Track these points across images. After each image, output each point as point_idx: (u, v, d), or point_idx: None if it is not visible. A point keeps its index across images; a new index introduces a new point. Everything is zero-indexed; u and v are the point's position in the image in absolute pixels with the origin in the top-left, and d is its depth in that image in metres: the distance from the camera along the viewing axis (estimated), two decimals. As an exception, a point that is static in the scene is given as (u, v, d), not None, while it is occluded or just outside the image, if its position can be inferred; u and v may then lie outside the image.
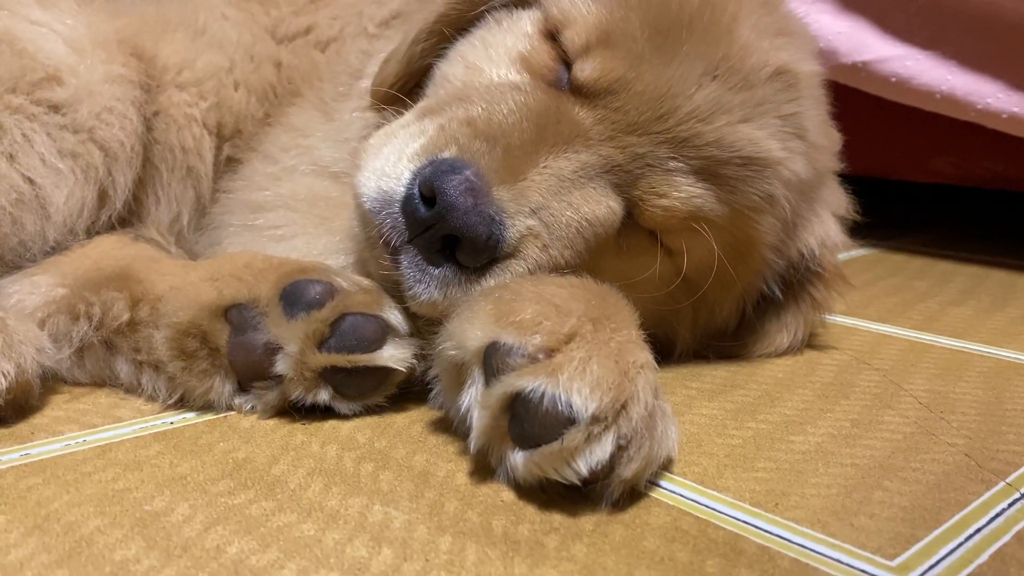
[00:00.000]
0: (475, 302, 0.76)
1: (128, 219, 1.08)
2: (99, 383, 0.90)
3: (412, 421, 0.83)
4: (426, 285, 0.79)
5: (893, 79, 1.49)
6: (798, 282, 1.01)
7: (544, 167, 0.81)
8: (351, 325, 0.81)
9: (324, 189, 1.05)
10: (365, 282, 0.86)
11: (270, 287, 0.83)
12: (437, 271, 0.79)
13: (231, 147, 1.14)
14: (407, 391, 0.86)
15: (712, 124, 0.84)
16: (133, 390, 0.88)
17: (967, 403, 0.91)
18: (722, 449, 0.78)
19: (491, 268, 0.79)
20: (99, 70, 1.03)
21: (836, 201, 1.04)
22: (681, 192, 0.85)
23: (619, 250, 0.87)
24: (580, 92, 0.85)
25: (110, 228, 1.05)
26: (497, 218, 0.77)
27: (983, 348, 1.10)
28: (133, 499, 0.67)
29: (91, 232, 1.02)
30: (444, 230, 0.76)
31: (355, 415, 0.84)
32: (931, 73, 1.46)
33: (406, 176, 0.80)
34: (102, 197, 1.01)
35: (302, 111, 1.14)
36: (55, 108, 0.99)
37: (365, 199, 0.82)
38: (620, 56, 0.84)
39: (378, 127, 1.00)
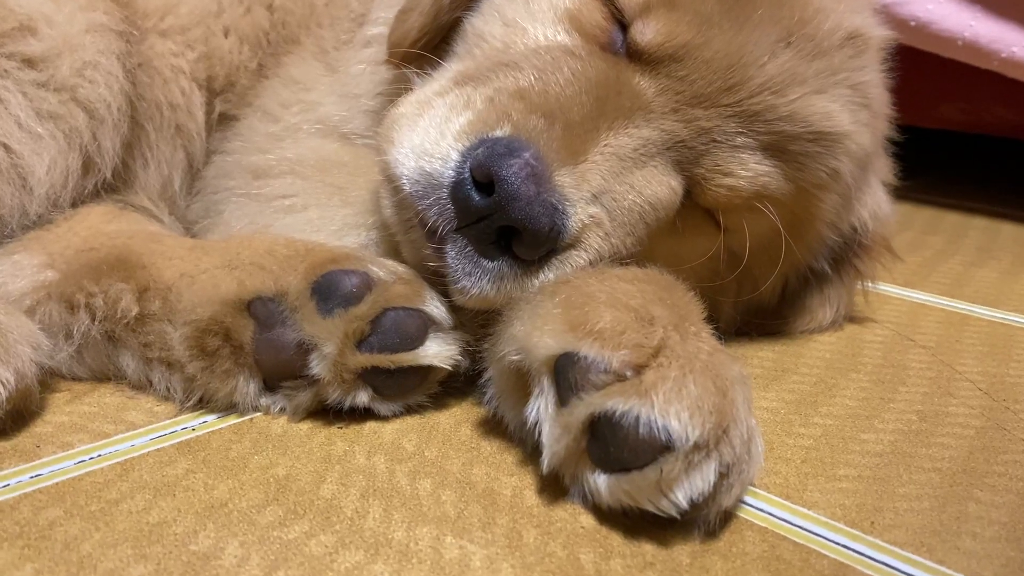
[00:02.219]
0: (539, 303, 0.69)
1: (115, 185, 0.96)
2: (100, 379, 0.81)
3: (457, 422, 0.76)
4: (477, 279, 0.71)
5: (912, 23, 1.42)
6: (845, 255, 0.96)
7: (605, 145, 0.73)
8: (392, 321, 0.73)
9: (335, 153, 0.95)
10: (401, 268, 0.78)
11: (299, 278, 0.74)
12: (491, 264, 0.71)
13: (223, 102, 1.03)
14: (447, 385, 0.79)
15: (785, 97, 0.76)
16: (141, 388, 0.79)
17: (1025, 387, 0.88)
18: (796, 453, 0.74)
19: (550, 260, 0.72)
20: (78, 19, 0.90)
21: (885, 168, 0.98)
22: (748, 170, 0.78)
23: (673, 230, 0.81)
24: (640, 58, 0.77)
25: (95, 196, 0.94)
26: (560, 207, 0.69)
27: (1021, 320, 1.07)
28: (174, 536, 0.59)
29: (76, 203, 0.91)
30: (502, 221, 0.68)
31: (394, 415, 0.77)
32: (954, 18, 1.40)
33: (455, 157, 0.71)
34: (87, 165, 0.90)
35: (301, 61, 1.03)
36: (30, 63, 0.87)
37: (405, 181, 0.73)
38: (685, 18, 0.75)
39: (397, 87, 0.91)
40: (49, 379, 0.79)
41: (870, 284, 0.99)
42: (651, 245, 0.78)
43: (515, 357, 0.68)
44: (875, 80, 0.84)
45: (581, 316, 0.65)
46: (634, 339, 0.62)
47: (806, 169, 0.80)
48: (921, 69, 1.57)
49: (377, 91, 0.96)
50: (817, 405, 0.82)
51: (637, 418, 0.59)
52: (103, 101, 0.90)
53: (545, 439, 0.65)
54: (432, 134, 0.74)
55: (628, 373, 0.61)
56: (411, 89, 0.87)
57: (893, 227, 0.98)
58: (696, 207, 0.80)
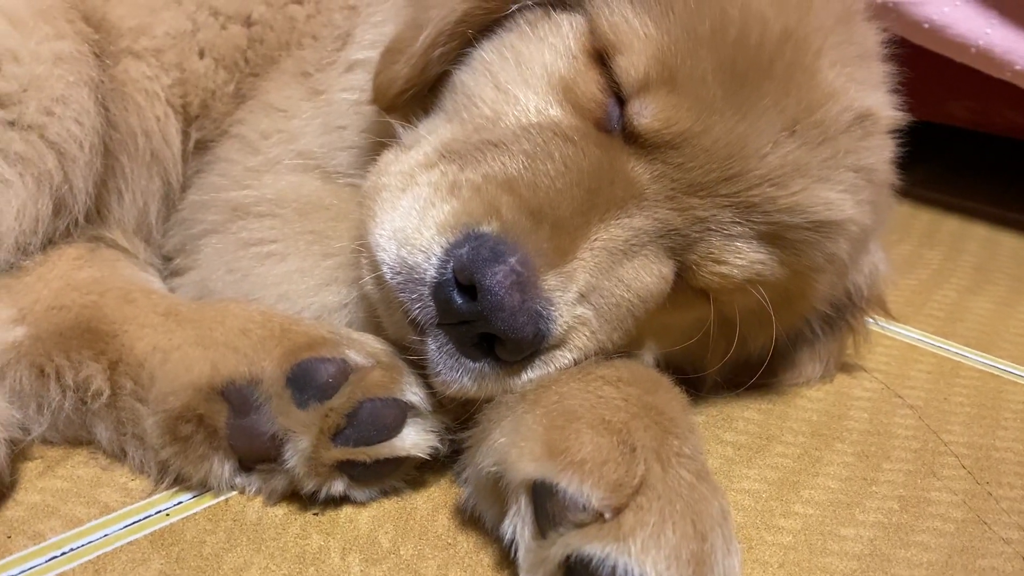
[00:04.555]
0: (520, 415, 0.67)
1: (89, 217, 0.93)
2: (74, 444, 0.79)
3: (435, 508, 0.76)
4: (457, 374, 0.70)
5: (926, 25, 1.36)
6: (838, 316, 0.94)
7: (595, 240, 0.70)
8: (369, 413, 0.72)
9: (315, 192, 0.91)
10: (379, 347, 0.76)
11: (274, 365, 0.72)
12: (472, 364, 0.69)
13: (199, 130, 0.98)
14: (425, 464, 0.78)
15: (787, 189, 0.73)
16: (116, 457, 0.78)
17: (1011, 463, 0.87)
18: (775, 554, 0.73)
19: (533, 360, 0.70)
20: (46, 50, 0.85)
21: (885, 224, 0.94)
22: (742, 259, 0.75)
23: (663, 306, 0.78)
24: (635, 141, 0.73)
25: (67, 233, 0.90)
26: (545, 313, 0.67)
27: (1013, 369, 1.05)
28: (143, 666, 0.59)
29: (47, 244, 0.88)
30: (484, 328, 0.66)
31: (371, 499, 0.76)
32: (969, 23, 1.33)
33: (437, 252, 0.68)
34: (59, 207, 0.86)
35: (282, 86, 0.98)
36: (-5, 101, 0.82)
37: (387, 269, 0.71)
38: (686, 103, 0.71)
39: (383, 125, 0.87)
40: (21, 439, 0.77)
41: (859, 341, 0.97)
42: (639, 322, 0.76)
43: (493, 469, 0.67)
44: (882, 158, 0.80)
45: (562, 440, 0.63)
46: (615, 476, 0.61)
47: (803, 255, 0.77)
48: (931, 65, 1.51)
49: (362, 127, 0.91)
50: (799, 487, 0.82)
51: (614, 567, 0.58)
52: (74, 139, 0.86)
53: (521, 563, 0.64)
54: (414, 220, 0.71)
55: (607, 515, 0.60)
56: (396, 139, 0.83)
57: (889, 282, 0.95)
58: (687, 286, 0.78)
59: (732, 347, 0.85)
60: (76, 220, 0.88)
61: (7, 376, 0.78)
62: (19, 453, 0.76)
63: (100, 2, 0.93)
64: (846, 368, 1.02)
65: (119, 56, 0.94)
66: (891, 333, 1.13)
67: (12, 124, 0.83)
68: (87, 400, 0.75)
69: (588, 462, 0.62)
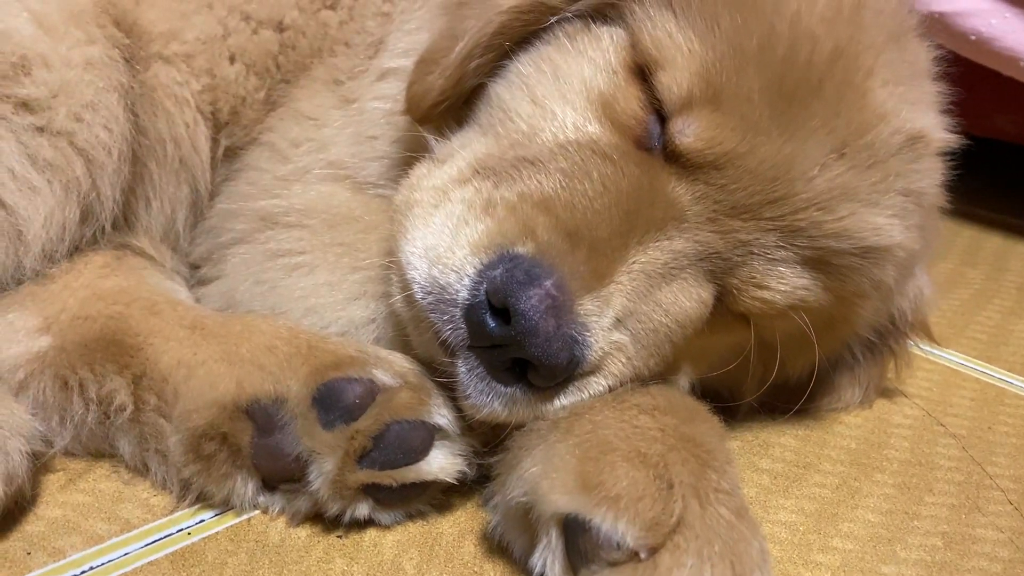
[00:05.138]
0: (553, 444, 0.65)
1: (116, 224, 0.91)
2: (97, 456, 0.78)
3: (461, 533, 0.74)
4: (488, 398, 0.68)
5: (972, 37, 1.32)
6: (880, 341, 0.91)
7: (633, 263, 0.68)
8: (396, 436, 0.70)
9: (344, 203, 0.90)
10: (407, 366, 0.75)
11: (300, 384, 0.70)
12: (503, 389, 0.67)
13: (228, 136, 0.97)
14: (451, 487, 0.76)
15: (834, 213, 0.70)
16: (138, 471, 0.77)
17: (1058, 500, 0.84)
18: (813, 592, 0.71)
19: (566, 386, 0.68)
20: (76, 55, 0.84)
21: (930, 249, 0.91)
22: (785, 284, 0.72)
23: (701, 331, 0.76)
24: (676, 160, 0.70)
25: (94, 240, 0.89)
26: (580, 338, 0.65)
27: (1060, 398, 1.02)
28: None
29: (73, 251, 0.86)
30: (517, 353, 0.64)
31: (396, 522, 0.74)
32: (1017, 35, 1.30)
33: (470, 272, 0.66)
34: (86, 214, 0.85)
35: (313, 94, 0.96)
36: (25, 106, 0.81)
37: (417, 288, 0.69)
38: (730, 122, 0.68)
39: (415, 136, 0.85)
40: (43, 451, 0.76)
41: (902, 366, 0.94)
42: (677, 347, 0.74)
43: (523, 499, 0.65)
44: (932, 182, 0.76)
45: (596, 473, 0.61)
46: (651, 513, 0.59)
47: (848, 281, 0.74)
48: (977, 77, 1.47)
49: (394, 138, 0.90)
50: (838, 520, 0.79)
51: (649, 610, 0.55)
52: (103, 146, 0.85)
53: (552, 602, 0.62)
54: (447, 238, 0.69)
55: (643, 555, 0.57)
56: (429, 151, 0.82)
57: (933, 306, 0.92)
58: (727, 311, 0.75)
59: (771, 372, 0.83)
60: (103, 228, 0.87)
61: (30, 387, 0.77)
62: (41, 466, 0.75)
63: (131, 6, 0.92)
64: (886, 393, 0.98)
65: (149, 61, 0.92)
66: (932, 357, 1.09)
67: (42, 130, 0.82)
68: (110, 414, 0.74)
69: (623, 498, 0.59)
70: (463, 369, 0.68)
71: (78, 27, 0.84)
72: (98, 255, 0.87)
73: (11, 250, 0.81)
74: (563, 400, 0.68)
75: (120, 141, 0.86)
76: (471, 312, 0.65)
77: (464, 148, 0.77)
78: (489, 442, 0.74)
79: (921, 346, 0.99)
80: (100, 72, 0.85)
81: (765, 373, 0.85)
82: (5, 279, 0.82)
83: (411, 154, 0.84)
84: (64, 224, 0.83)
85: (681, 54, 0.71)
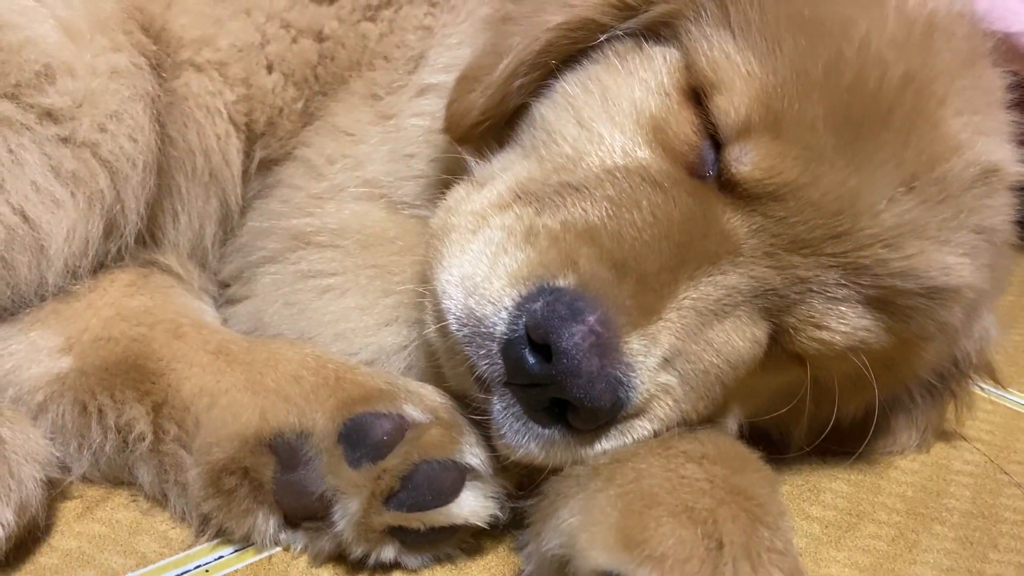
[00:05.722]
0: (593, 493, 0.61)
1: (143, 240, 0.88)
2: (116, 483, 0.75)
3: (492, 577, 0.69)
4: (524, 439, 0.64)
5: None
6: (941, 384, 0.85)
7: (684, 299, 0.63)
8: (425, 476, 0.66)
9: (379, 223, 0.86)
10: (439, 401, 0.71)
11: (327, 418, 0.67)
12: (541, 430, 0.63)
13: (263, 148, 0.93)
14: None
15: (901, 251, 0.65)
16: (157, 501, 0.73)
17: None
18: (869, 660, 0.65)
19: (609, 429, 0.63)
20: (101, 63, 0.81)
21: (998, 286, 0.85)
22: (846, 325, 0.67)
23: (753, 371, 0.71)
24: (732, 190, 0.66)
25: (120, 257, 0.86)
26: (625, 379, 0.60)
27: None
28: None
29: (97, 268, 0.84)
30: (558, 394, 0.60)
31: (423, 566, 0.70)
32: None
33: (508, 304, 0.62)
34: (110, 228, 0.82)
35: (351, 108, 0.92)
36: (50, 116, 0.79)
37: (452, 319, 0.65)
38: (792, 151, 0.64)
39: (454, 157, 0.81)
40: (61, 478, 0.73)
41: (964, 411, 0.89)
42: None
43: (560, 551, 0.60)
44: (1005, 218, 0.71)
45: (640, 529, 0.57)
46: (697, 576, 0.54)
47: (912, 322, 0.69)
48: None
49: (432, 156, 0.86)
50: (894, 577, 0.73)
51: None
52: (128, 157, 0.82)
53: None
54: (484, 267, 0.65)
55: (689, 623, 0.53)
56: (468, 172, 0.78)
57: (998, 346, 0.87)
58: (782, 350, 0.70)
59: (824, 414, 0.78)
60: (128, 243, 0.84)
61: (49, 410, 0.74)
62: (58, 493, 0.72)
63: (160, 10, 0.89)
64: (945, 436, 0.93)
65: (179, 69, 0.89)
66: (994, 397, 1.03)
67: (65, 141, 0.79)
68: (129, 443, 0.71)
69: (669, 558, 0.55)
70: (498, 407, 0.64)
71: (104, 34, 0.82)
72: (124, 273, 0.84)
73: (34, 264, 0.78)
74: (605, 444, 0.63)
75: (145, 152, 0.83)
76: (509, 348, 0.61)
77: (505, 171, 0.74)
78: (524, 484, 0.70)
79: (982, 386, 0.93)
80: (125, 81, 0.82)
81: (818, 414, 0.80)
82: (28, 295, 0.79)
83: (449, 176, 0.81)
84: (87, 238, 0.80)
85: (740, 77, 0.66)
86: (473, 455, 0.68)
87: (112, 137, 0.81)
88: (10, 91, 0.77)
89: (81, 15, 0.82)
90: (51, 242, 0.78)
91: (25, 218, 0.77)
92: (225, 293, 0.91)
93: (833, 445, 0.85)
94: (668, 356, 0.63)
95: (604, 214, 0.64)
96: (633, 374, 0.61)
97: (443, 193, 0.78)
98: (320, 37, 0.95)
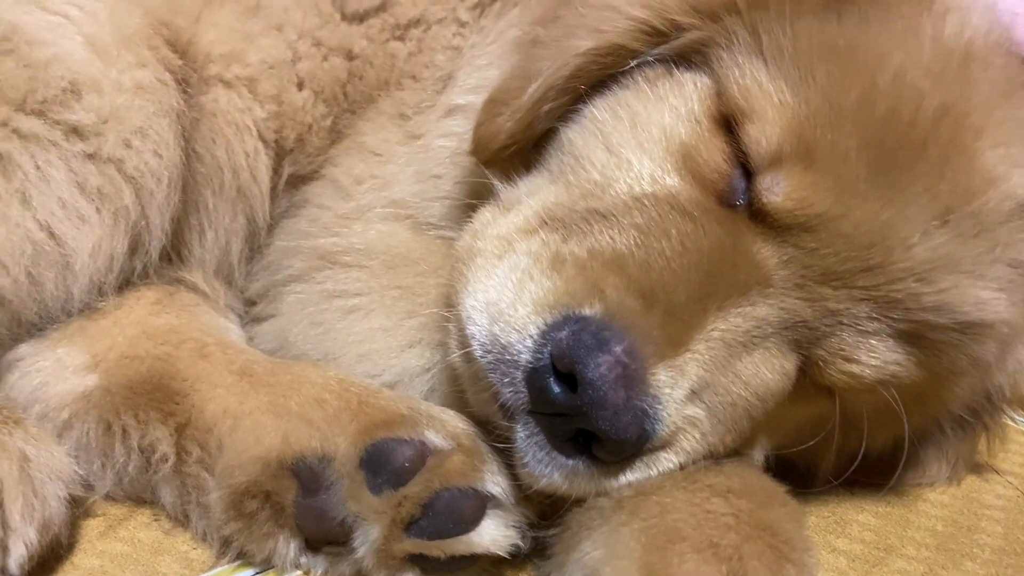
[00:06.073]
0: (617, 526, 0.60)
1: (169, 257, 0.89)
2: (138, 501, 0.75)
3: (513, 605, 0.69)
4: (547, 468, 0.63)
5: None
6: (974, 417, 0.83)
7: (712, 330, 0.62)
8: (446, 504, 0.65)
9: (404, 244, 0.86)
10: (460, 426, 0.71)
11: (349, 443, 0.67)
12: (565, 460, 0.62)
13: (292, 164, 0.93)
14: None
15: (934, 285, 0.64)
16: (179, 521, 0.73)
17: None
18: None
19: (633, 461, 0.62)
20: (127, 79, 0.81)
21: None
22: (876, 358, 0.66)
23: (781, 403, 0.70)
24: (763, 220, 0.65)
25: (145, 274, 0.86)
26: (651, 412, 0.60)
27: None
28: None
29: (122, 284, 0.84)
30: (583, 425, 0.59)
31: (444, 590, 0.69)
32: None
33: (533, 332, 0.62)
34: (135, 244, 0.82)
35: (379, 128, 0.92)
36: (76, 132, 0.79)
37: (476, 346, 0.64)
38: (824, 182, 0.63)
39: (481, 181, 0.81)
40: (84, 496, 0.73)
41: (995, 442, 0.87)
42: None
43: (582, 584, 0.60)
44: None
45: (663, 565, 0.57)
46: (722, 619, 0.53)
47: (944, 357, 0.68)
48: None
49: (459, 178, 0.86)
50: (923, 616, 0.72)
51: None
52: (153, 173, 0.82)
53: None
54: (509, 293, 0.64)
55: (713, 666, 0.52)
56: (494, 195, 0.77)
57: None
58: (810, 382, 0.69)
59: (852, 445, 0.76)
60: (152, 259, 0.84)
61: (74, 428, 0.74)
62: (81, 505, 0.73)
63: (187, 25, 0.89)
64: (976, 469, 0.91)
65: (207, 84, 0.89)
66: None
67: (91, 157, 0.79)
68: (152, 464, 0.71)
69: (694, 596, 0.54)
70: (522, 435, 0.63)
71: (130, 50, 0.82)
72: (150, 290, 0.85)
73: (60, 281, 0.78)
74: (629, 476, 0.63)
75: (170, 168, 0.83)
76: (534, 376, 0.61)
77: (532, 195, 0.73)
78: (546, 514, 0.69)
79: (1016, 417, 0.92)
80: (151, 96, 0.82)
81: (846, 446, 0.79)
82: (55, 311, 0.79)
83: (474, 200, 0.80)
84: (112, 254, 0.80)
85: (772, 106, 0.65)
86: (495, 483, 0.67)
87: (137, 153, 0.81)
88: (37, 107, 0.77)
89: (108, 31, 0.82)
90: (77, 258, 0.78)
91: (51, 234, 0.77)
92: (251, 311, 0.91)
93: (861, 476, 0.83)
94: (696, 388, 0.62)
95: (632, 242, 0.64)
96: (660, 406, 0.60)
97: (469, 215, 0.78)
98: (350, 55, 0.95)
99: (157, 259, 0.85)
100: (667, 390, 0.60)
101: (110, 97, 0.80)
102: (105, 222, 0.80)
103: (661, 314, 0.61)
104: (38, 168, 0.77)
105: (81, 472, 0.72)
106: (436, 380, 0.78)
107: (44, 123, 0.77)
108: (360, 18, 0.96)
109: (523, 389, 0.62)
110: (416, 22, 0.97)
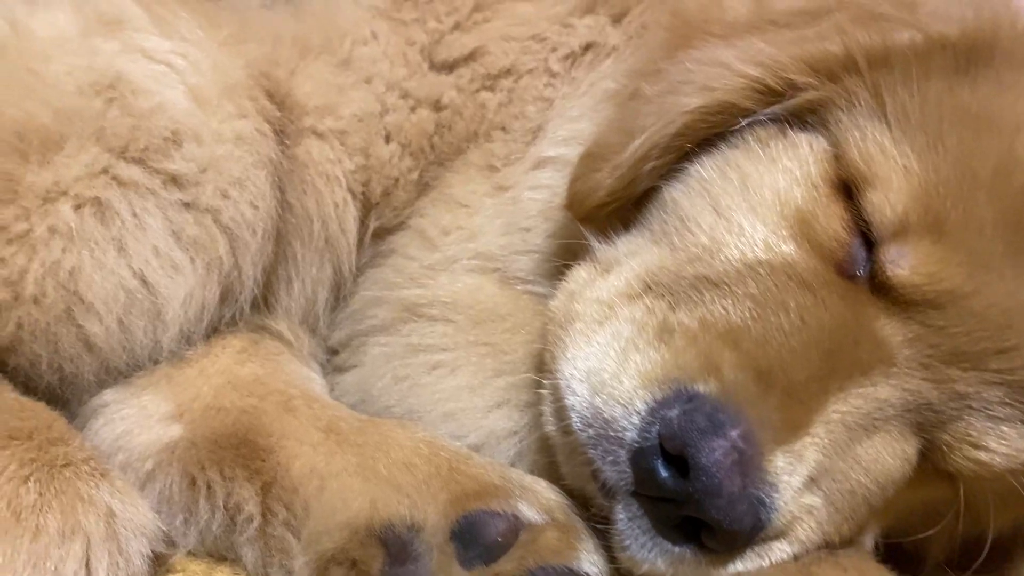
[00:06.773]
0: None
1: (256, 305, 0.88)
2: (218, 558, 0.73)
3: None
4: (650, 553, 0.59)
5: None
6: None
7: (832, 412, 0.59)
8: (540, 583, 0.62)
9: (492, 299, 0.83)
10: (554, 500, 0.68)
11: (439, 513, 0.64)
12: (671, 548, 0.58)
13: (377, 217, 0.92)
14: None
15: (1077, 368, 0.59)
16: (259, 581, 0.71)
17: None
18: None
19: (745, 551, 0.59)
20: (227, 130, 0.81)
21: None
22: (1007, 446, 0.62)
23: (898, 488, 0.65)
24: (887, 293, 0.61)
25: (232, 322, 0.85)
26: (768, 500, 0.56)
27: None
28: None
29: (210, 332, 0.83)
30: (693, 512, 0.56)
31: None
32: None
33: (640, 408, 0.59)
34: (226, 294, 0.82)
35: (467, 180, 0.90)
36: (174, 181, 0.78)
37: (576, 417, 0.62)
38: (955, 257, 0.59)
39: (574, 238, 0.78)
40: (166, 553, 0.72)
41: None
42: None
43: None
44: None
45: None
46: None
47: (1081, 443, 0.62)
48: None
49: (549, 232, 0.83)
50: None
51: None
52: (248, 224, 0.81)
53: None
54: (612, 363, 0.61)
55: None
56: (589, 252, 0.75)
57: None
58: (931, 467, 0.65)
59: (968, 530, 0.71)
60: (242, 308, 0.84)
61: (157, 479, 0.73)
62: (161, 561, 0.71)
63: (285, 77, 0.88)
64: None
65: (301, 136, 0.88)
66: None
67: (188, 206, 0.79)
68: (237, 523, 0.69)
69: None
70: (623, 516, 0.60)
71: (231, 100, 0.82)
72: (236, 338, 0.83)
73: (150, 329, 0.78)
74: (739, 566, 0.59)
75: (265, 219, 0.82)
76: (640, 457, 0.57)
77: (632, 256, 0.70)
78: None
79: None
80: (249, 147, 0.82)
81: (962, 531, 0.74)
82: (143, 359, 0.79)
83: (568, 248, 0.78)
84: (204, 304, 0.79)
85: (896, 172, 0.62)
86: (591, 563, 0.64)
87: (234, 204, 0.80)
88: (138, 155, 0.77)
89: (211, 82, 0.82)
90: (168, 307, 0.77)
91: (144, 282, 0.77)
92: (333, 360, 0.90)
93: (973, 562, 0.78)
94: (814, 475, 0.58)
95: (747, 315, 0.60)
96: (776, 495, 0.56)
97: (559, 270, 0.76)
98: (438, 106, 0.93)
99: (248, 309, 0.84)
100: (785, 477, 0.57)
101: (210, 147, 0.79)
102: (198, 272, 0.79)
103: (779, 395, 0.57)
104: (135, 216, 0.76)
105: (164, 527, 0.70)
106: (524, 444, 0.75)
107: (144, 171, 0.77)
108: (449, 68, 0.94)
109: (627, 470, 0.59)
110: (507, 72, 0.95)
